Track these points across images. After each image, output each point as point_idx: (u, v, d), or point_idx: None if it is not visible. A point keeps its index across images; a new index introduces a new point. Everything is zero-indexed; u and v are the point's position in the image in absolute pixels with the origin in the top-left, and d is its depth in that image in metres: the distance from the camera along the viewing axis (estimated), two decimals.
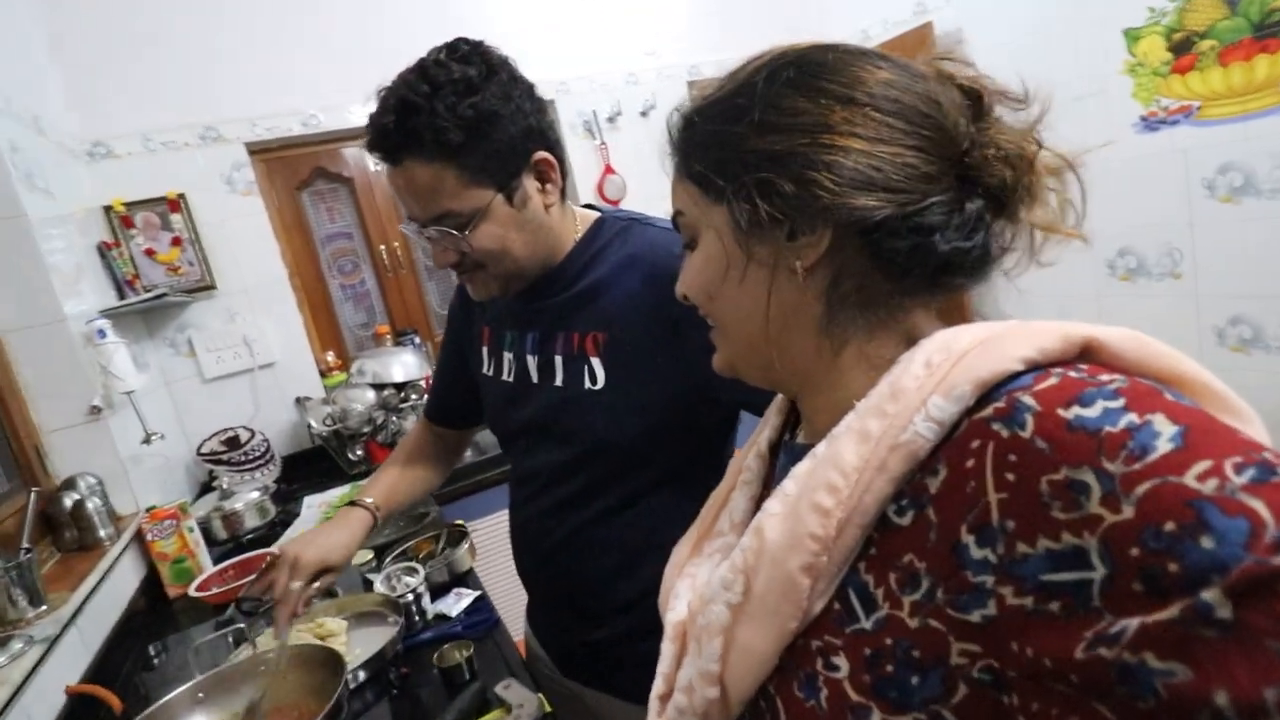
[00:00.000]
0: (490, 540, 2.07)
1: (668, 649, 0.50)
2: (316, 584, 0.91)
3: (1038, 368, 0.35)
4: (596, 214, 0.94)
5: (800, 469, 0.42)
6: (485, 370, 1.00)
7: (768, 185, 0.43)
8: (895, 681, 0.36)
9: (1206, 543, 0.26)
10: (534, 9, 2.63)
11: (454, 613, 1.17)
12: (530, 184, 0.83)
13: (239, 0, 2.22)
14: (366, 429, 2.18)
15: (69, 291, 1.60)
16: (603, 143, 2.79)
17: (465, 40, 0.81)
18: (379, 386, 2.28)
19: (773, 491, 0.43)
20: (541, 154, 0.83)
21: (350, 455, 2.18)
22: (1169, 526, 0.27)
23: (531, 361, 0.92)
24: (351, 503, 1.02)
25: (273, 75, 2.28)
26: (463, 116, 0.75)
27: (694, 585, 0.51)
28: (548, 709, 0.87)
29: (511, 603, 1.47)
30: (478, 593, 1.22)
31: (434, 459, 1.16)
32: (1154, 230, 2.29)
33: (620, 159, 2.81)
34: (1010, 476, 0.32)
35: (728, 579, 0.43)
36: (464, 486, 2.08)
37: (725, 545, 0.53)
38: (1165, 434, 0.29)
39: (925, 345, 0.40)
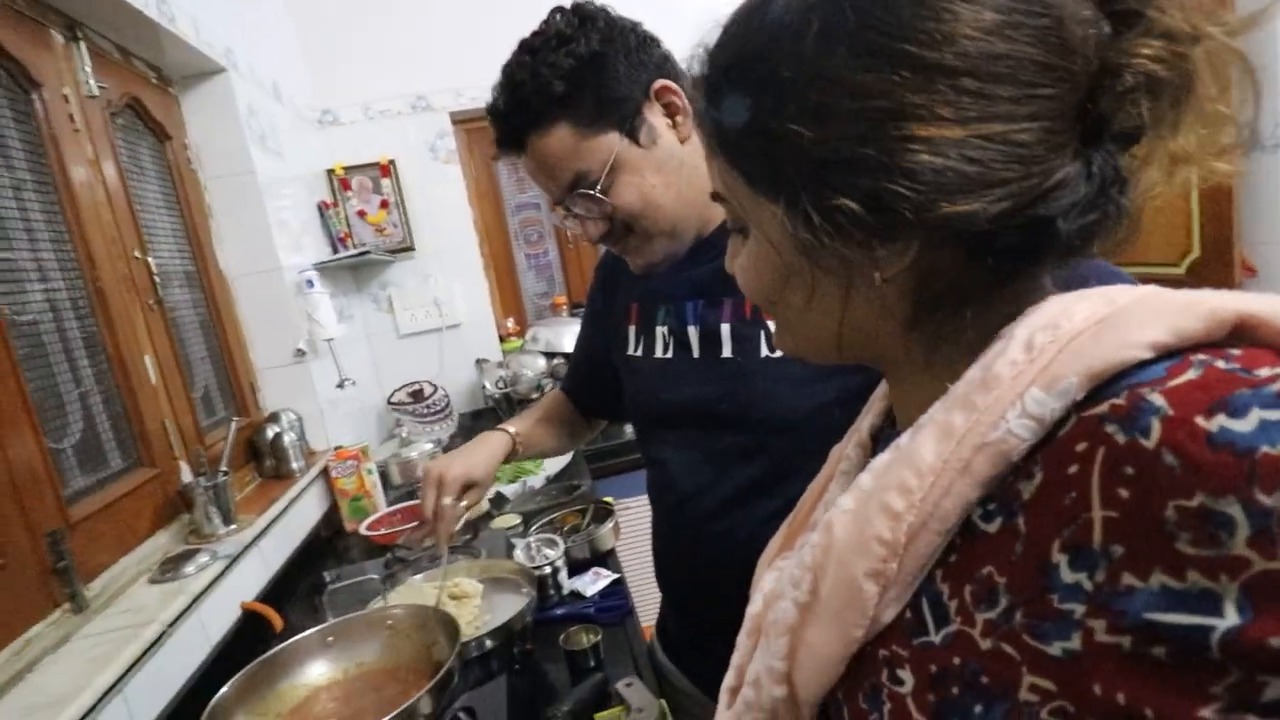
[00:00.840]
0: (636, 523, 2.03)
1: (743, 641, 0.47)
2: (464, 501, 0.91)
3: (1172, 354, 0.29)
4: None
5: (879, 462, 0.37)
6: (632, 350, 0.91)
7: (828, 204, 0.34)
8: (959, 707, 0.32)
9: None
10: None
11: (589, 592, 1.12)
12: (657, 118, 0.77)
13: None
14: (535, 395, 2.23)
15: (293, 245, 1.77)
16: None
17: (560, 6, 0.79)
18: (550, 355, 2.32)
19: (851, 485, 0.39)
20: (661, 83, 0.76)
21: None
22: None
23: (693, 333, 0.82)
24: (495, 427, 1.02)
25: (479, 45, 2.36)
26: (562, 67, 0.73)
27: (777, 579, 0.46)
28: (668, 717, 0.77)
29: (646, 594, 1.40)
30: (616, 575, 1.16)
31: (570, 425, 1.12)
32: None
33: None
34: (1124, 493, 0.26)
35: (796, 576, 0.40)
36: (620, 464, 2.05)
37: None
38: None
39: (1029, 319, 0.34)
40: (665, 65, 0.79)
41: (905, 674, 0.35)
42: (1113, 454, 0.27)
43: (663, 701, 0.80)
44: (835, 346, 0.41)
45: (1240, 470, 0.24)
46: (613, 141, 0.75)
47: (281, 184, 1.80)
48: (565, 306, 2.60)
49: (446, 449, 2.07)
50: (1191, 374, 0.27)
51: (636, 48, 0.77)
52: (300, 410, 1.66)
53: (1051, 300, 0.35)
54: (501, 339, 2.54)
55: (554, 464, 1.80)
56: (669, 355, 0.85)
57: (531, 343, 2.37)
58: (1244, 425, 0.24)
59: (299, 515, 1.50)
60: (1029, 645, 0.29)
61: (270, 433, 1.54)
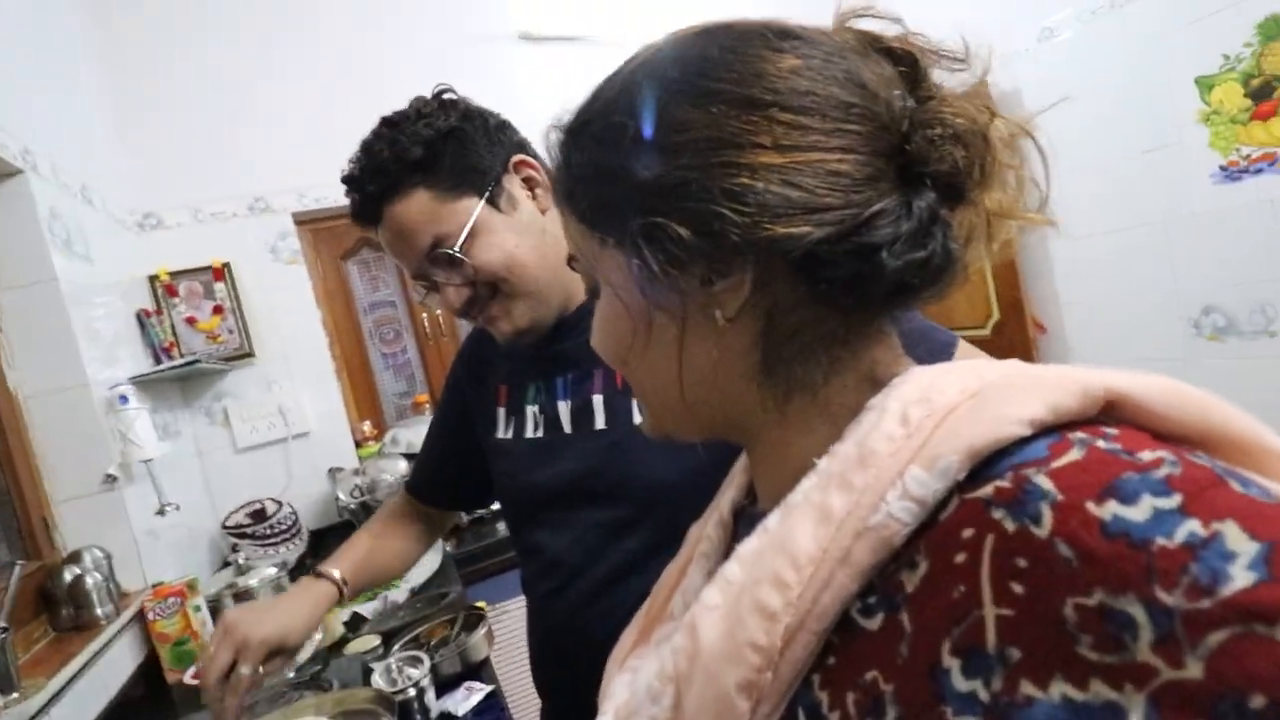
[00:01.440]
0: (513, 625, 1.90)
1: None
2: (264, 668, 0.78)
3: (1049, 432, 0.27)
4: None
5: (746, 549, 0.34)
6: (502, 433, 0.88)
7: (657, 231, 0.34)
8: None
9: None
10: (571, 81, 2.68)
11: (461, 711, 1.02)
12: (516, 189, 0.79)
13: (293, 75, 2.32)
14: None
15: (106, 358, 1.58)
16: None
17: (421, 95, 0.82)
18: (411, 456, 2.19)
19: (715, 576, 0.35)
20: (520, 157, 0.80)
21: None
22: (1256, 702, 0.19)
23: (564, 409, 0.81)
24: (316, 573, 0.90)
25: (321, 147, 2.31)
26: (420, 136, 0.75)
27: (631, 686, 0.42)
28: None
29: (526, 706, 1.30)
30: (490, 688, 1.07)
31: (413, 531, 1.04)
32: (1243, 287, 2.08)
33: None
34: (1018, 588, 0.24)
35: (655, 689, 0.36)
36: (493, 564, 1.94)
37: (674, 633, 0.44)
38: (1243, 555, 0.21)
39: (900, 391, 0.33)
40: (523, 147, 0.82)
41: None
42: (1003, 543, 0.25)
43: None
44: (691, 405, 0.39)
45: (1138, 563, 0.22)
46: (472, 206, 0.75)
47: (92, 291, 1.62)
48: (427, 404, 2.50)
49: (293, 573, 1.86)
50: (1075, 454, 0.26)
51: (495, 128, 0.80)
52: (109, 546, 1.43)
53: (915, 371, 0.34)
54: (358, 444, 2.38)
55: (418, 573, 1.67)
56: (540, 434, 0.83)
57: (391, 445, 2.24)
58: (1137, 514, 0.23)
59: (105, 672, 1.26)
60: None
61: (69, 576, 1.31)
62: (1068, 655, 0.22)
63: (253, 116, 2.26)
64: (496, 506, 2.16)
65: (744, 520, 0.45)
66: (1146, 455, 0.25)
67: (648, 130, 0.35)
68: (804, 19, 0.38)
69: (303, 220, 2.36)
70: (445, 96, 0.81)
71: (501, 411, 0.89)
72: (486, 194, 0.76)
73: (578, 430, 0.79)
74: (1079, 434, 0.27)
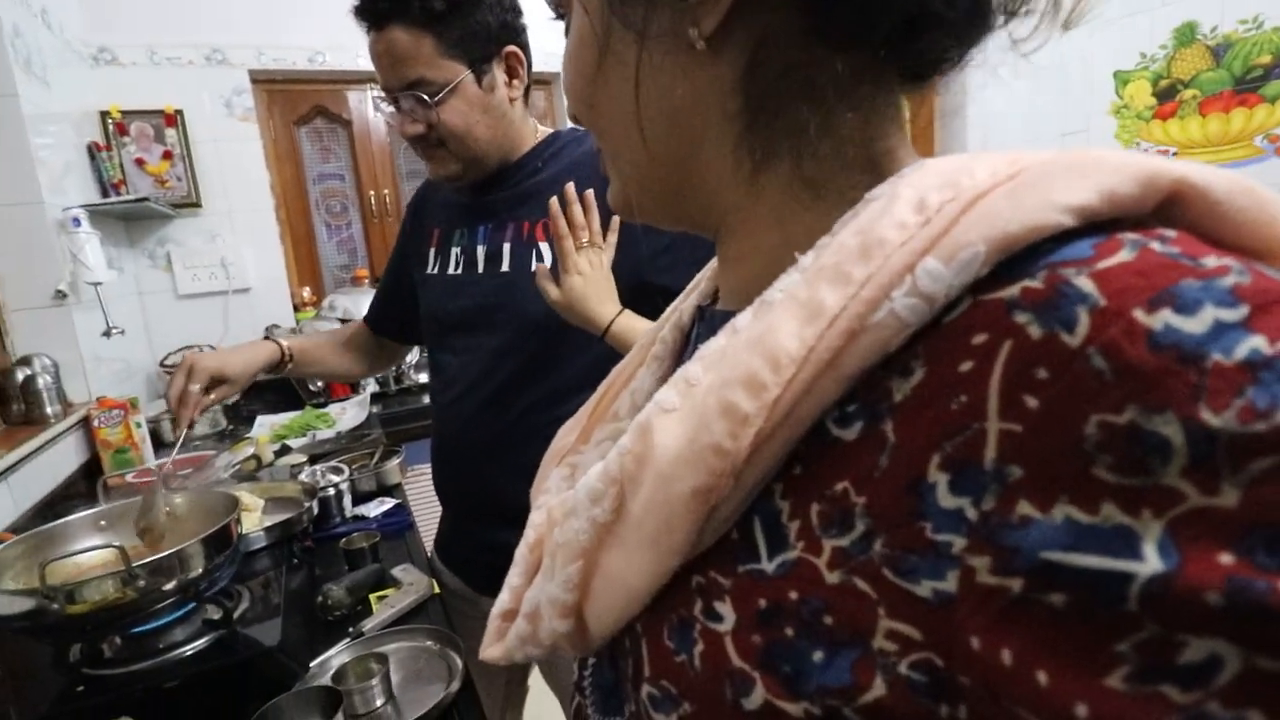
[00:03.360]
0: (424, 484, 2.11)
1: (522, 557, 0.39)
2: (212, 394, 0.98)
3: (1098, 229, 0.23)
4: (555, 129, 1.02)
5: (710, 348, 0.30)
6: (430, 269, 1.05)
7: None
8: (792, 652, 0.26)
9: None
10: None
11: (372, 514, 1.21)
12: (499, 73, 0.92)
13: None
14: None
15: (53, 186, 1.64)
16: None
17: None
18: (346, 321, 2.32)
19: (674, 376, 0.32)
20: (512, 48, 0.92)
21: (310, 385, 2.21)
22: None
23: (480, 252, 0.98)
24: (265, 336, 1.09)
25: (285, 7, 2.32)
26: None
27: (569, 482, 0.43)
28: (435, 591, 0.91)
29: (430, 533, 1.51)
30: (398, 501, 1.26)
31: (362, 351, 1.22)
32: None
33: None
34: (1032, 401, 0.21)
35: (596, 490, 0.32)
36: (416, 429, 2.12)
37: (617, 434, 0.42)
38: None
39: (914, 177, 0.28)
40: (521, 35, 0.94)
41: (725, 608, 0.28)
42: (1022, 351, 0.22)
43: (432, 580, 0.94)
44: (647, 156, 0.34)
45: (1185, 380, 0.19)
46: (460, 71, 0.88)
47: (48, 118, 1.66)
48: (367, 279, 2.60)
49: (228, 411, 2.00)
50: (1125, 254, 0.22)
51: (509, 8, 0.91)
52: (57, 357, 1.54)
53: (932, 160, 0.29)
54: (296, 308, 2.48)
55: (347, 423, 1.84)
56: (459, 271, 1.01)
57: (329, 310, 2.35)
58: (1194, 325, 0.19)
59: (52, 460, 1.41)
60: (890, 582, 0.23)
61: (20, 376, 1.43)
62: (1080, 476, 0.20)
63: None
64: (423, 379, 2.32)
65: (704, 322, 0.40)
66: (1211, 261, 0.21)
67: None
68: None
69: (259, 79, 2.37)
70: None
71: (432, 251, 1.06)
72: (476, 69, 0.89)
73: (487, 270, 0.97)
74: (1131, 235, 0.23)
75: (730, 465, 0.27)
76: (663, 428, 0.29)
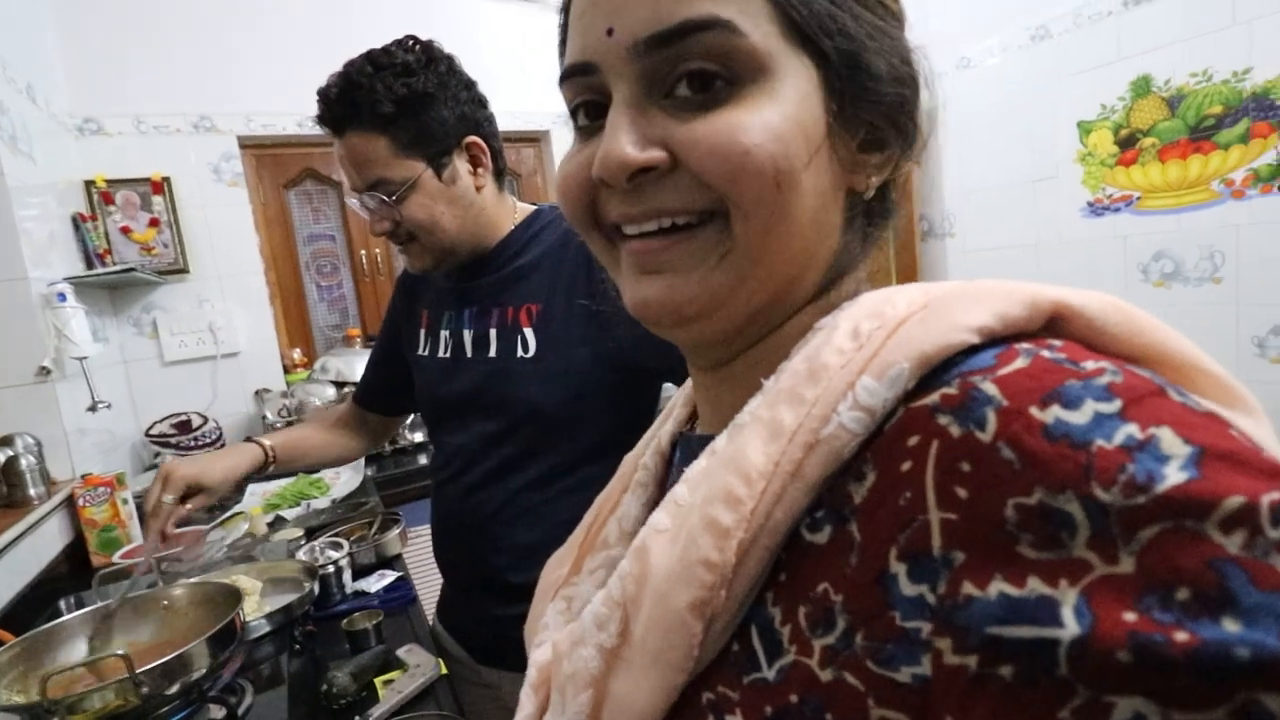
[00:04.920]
0: (424, 544, 2.07)
1: (527, 701, 0.40)
2: (189, 504, 0.96)
3: (996, 342, 0.28)
4: (536, 206, 1.03)
5: (694, 470, 0.33)
6: (421, 351, 1.06)
7: (864, 68, 0.34)
8: None
9: (1231, 625, 0.19)
10: (532, 41, 2.77)
11: (373, 589, 1.18)
12: (461, 164, 0.93)
13: (257, 2, 2.33)
14: None
15: (37, 259, 1.62)
16: None
17: (415, 37, 0.92)
18: (340, 384, 2.30)
19: (664, 500, 0.35)
20: (473, 139, 0.93)
21: None
22: (1181, 595, 0.19)
23: (467, 336, 0.99)
24: (247, 439, 1.07)
25: (275, 74, 2.36)
26: (397, 94, 0.86)
27: (568, 614, 0.43)
28: (444, 671, 0.89)
29: (432, 599, 1.48)
30: (400, 574, 1.24)
31: (353, 432, 1.22)
32: None
33: None
34: (961, 492, 0.24)
35: (601, 615, 0.34)
36: (413, 490, 2.09)
37: (610, 561, 0.44)
38: (1177, 457, 0.21)
39: (850, 310, 0.33)
40: (485, 125, 0.95)
41: (736, 719, 0.30)
42: (948, 448, 0.25)
43: (440, 660, 0.91)
44: (803, 263, 0.35)
45: (1078, 463, 0.22)
46: (418, 168, 0.89)
47: (32, 191, 1.65)
48: (359, 339, 2.59)
49: None
50: (1020, 362, 0.26)
51: (466, 101, 0.91)
52: (41, 434, 1.51)
53: (869, 293, 0.34)
54: (287, 370, 2.46)
55: (341, 487, 1.81)
56: (447, 355, 1.01)
57: (320, 372, 2.33)
58: (1078, 417, 0.23)
59: (36, 544, 1.36)
60: (874, 673, 0.25)
61: (2, 456, 1.39)
62: (1008, 554, 0.22)
63: (207, 35, 2.27)
64: (418, 439, 2.30)
65: (683, 446, 0.43)
66: (1090, 364, 0.25)
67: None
68: None
69: (248, 144, 2.39)
70: (433, 50, 0.91)
71: (423, 333, 1.07)
72: (434, 164, 0.90)
73: (476, 355, 0.98)
74: (1025, 345, 0.27)
75: (720, 577, 0.29)
76: (658, 547, 0.32)
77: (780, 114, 0.32)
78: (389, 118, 0.86)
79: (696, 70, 0.32)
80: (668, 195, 0.34)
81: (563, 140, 2.86)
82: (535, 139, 2.85)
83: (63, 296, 1.59)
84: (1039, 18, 2.41)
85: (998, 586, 0.22)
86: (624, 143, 0.33)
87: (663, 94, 0.33)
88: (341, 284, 2.70)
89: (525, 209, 1.02)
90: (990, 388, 0.25)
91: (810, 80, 0.33)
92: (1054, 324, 0.29)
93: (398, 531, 1.34)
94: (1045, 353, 0.26)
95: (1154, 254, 2.25)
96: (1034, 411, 0.24)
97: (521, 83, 2.62)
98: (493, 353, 0.96)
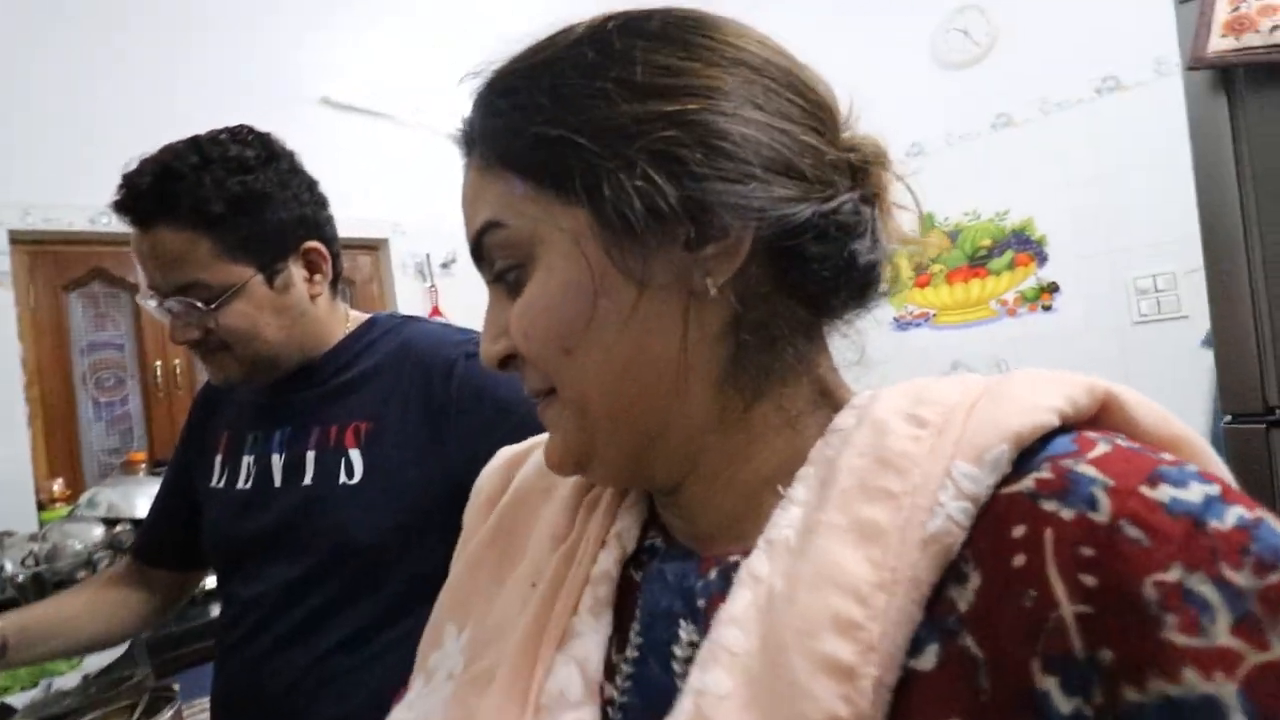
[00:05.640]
0: None
1: None
2: None
3: (1066, 429, 0.27)
4: (370, 315, 0.93)
5: (738, 608, 0.27)
6: (214, 482, 0.89)
7: (668, 156, 0.31)
8: None
9: None
10: (372, 149, 2.71)
11: None
12: (297, 271, 0.83)
13: (63, 86, 2.08)
14: (82, 574, 1.80)
15: None
16: (432, 285, 2.81)
17: (250, 128, 0.82)
18: (112, 522, 1.92)
19: (698, 654, 0.28)
20: (313, 244, 0.83)
21: None
22: None
23: (276, 461, 0.84)
24: None
25: (62, 163, 2.09)
26: (230, 191, 0.75)
27: None
28: None
29: None
30: None
31: (132, 595, 0.97)
32: None
33: (449, 303, 2.84)
34: (1089, 580, 0.22)
35: None
36: (198, 651, 1.74)
37: None
38: None
39: (882, 402, 0.31)
40: (326, 228, 0.86)
41: None
42: (1064, 534, 0.23)
43: None
44: (654, 404, 0.33)
45: (1203, 544, 0.21)
46: (245, 275, 0.77)
47: None
48: (145, 464, 2.21)
49: None
50: (1104, 448, 0.25)
51: (308, 203, 0.83)
52: None
53: (883, 388, 0.33)
54: (41, 505, 2.03)
55: (96, 657, 1.45)
56: (249, 485, 0.85)
57: (87, 508, 1.94)
58: (1191, 496, 0.22)
59: None
60: None
61: None
62: (1157, 643, 0.21)
63: None
64: (209, 584, 1.96)
65: (656, 564, 0.36)
66: (1167, 455, 0.25)
67: (640, 70, 0.32)
68: None
69: (21, 240, 2.06)
70: (273, 145, 0.82)
71: (219, 459, 0.90)
72: (266, 270, 0.79)
73: (286, 484, 0.83)
74: (1094, 433, 0.26)
75: None
76: (725, 714, 0.25)
77: (547, 286, 0.33)
78: (217, 217, 0.75)
79: (498, 267, 0.35)
80: (526, 372, 0.36)
81: (399, 249, 2.76)
82: (374, 247, 2.74)
83: None
84: None
85: (1157, 687, 0.20)
86: (484, 338, 0.37)
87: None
88: (127, 399, 2.33)
89: (359, 317, 0.92)
90: (1089, 469, 0.24)
91: (578, 228, 0.32)
92: (1105, 414, 0.29)
93: (170, 714, 1.08)
94: (1120, 440, 0.25)
95: (951, 363, 2.54)
96: (1145, 490, 0.23)
97: (362, 189, 2.53)
98: (308, 479, 0.81)
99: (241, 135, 0.80)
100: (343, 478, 0.80)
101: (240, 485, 0.86)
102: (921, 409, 0.29)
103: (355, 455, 0.80)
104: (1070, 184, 2.25)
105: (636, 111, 0.31)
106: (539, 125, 0.33)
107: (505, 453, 0.51)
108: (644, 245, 0.31)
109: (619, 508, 0.40)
